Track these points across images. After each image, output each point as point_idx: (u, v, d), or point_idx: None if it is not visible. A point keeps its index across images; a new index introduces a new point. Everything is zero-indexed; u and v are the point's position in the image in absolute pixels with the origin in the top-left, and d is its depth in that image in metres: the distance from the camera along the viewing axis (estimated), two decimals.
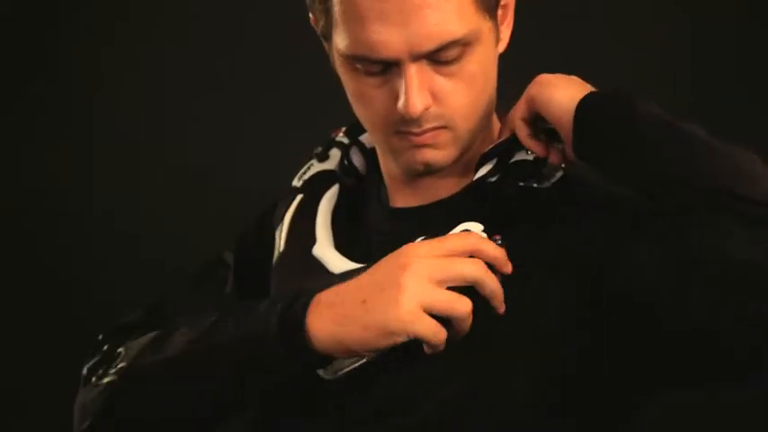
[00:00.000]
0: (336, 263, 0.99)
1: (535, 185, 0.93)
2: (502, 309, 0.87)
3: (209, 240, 1.18)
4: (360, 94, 0.95)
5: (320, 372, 0.92)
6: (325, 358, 0.88)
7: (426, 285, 0.84)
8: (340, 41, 0.91)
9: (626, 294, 0.85)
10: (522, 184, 0.93)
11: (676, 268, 0.80)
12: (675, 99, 1.82)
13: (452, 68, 0.91)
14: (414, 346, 0.85)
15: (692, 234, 0.79)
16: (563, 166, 0.95)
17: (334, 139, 1.10)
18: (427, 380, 0.91)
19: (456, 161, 0.97)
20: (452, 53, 0.90)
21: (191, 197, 1.97)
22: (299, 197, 1.08)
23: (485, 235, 0.89)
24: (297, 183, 1.10)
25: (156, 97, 1.99)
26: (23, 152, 2.04)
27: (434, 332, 0.84)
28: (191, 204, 1.96)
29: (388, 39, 0.88)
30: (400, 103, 0.90)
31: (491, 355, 0.90)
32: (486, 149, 0.97)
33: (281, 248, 1.05)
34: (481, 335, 0.88)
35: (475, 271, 0.85)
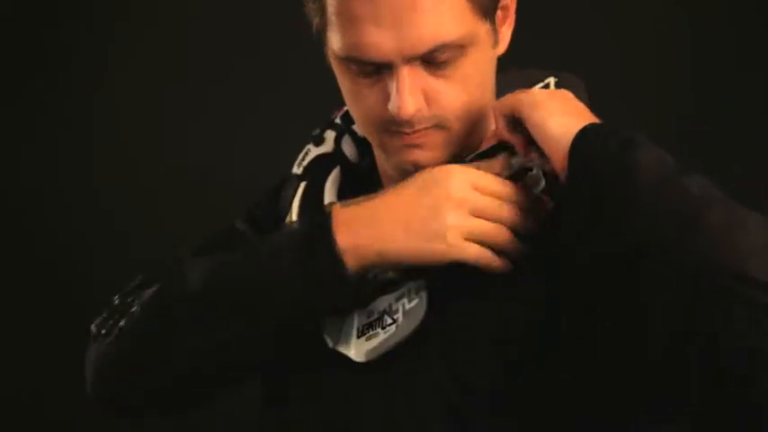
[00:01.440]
0: None
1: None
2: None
3: None
4: (353, 92, 0.95)
5: (351, 355, 0.93)
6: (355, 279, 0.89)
7: (468, 218, 0.88)
8: (334, 42, 0.92)
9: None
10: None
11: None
12: (675, 99, 1.84)
13: (446, 71, 0.90)
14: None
15: (677, 307, 0.76)
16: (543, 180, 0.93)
17: (332, 121, 1.10)
18: (430, 372, 0.91)
19: (450, 161, 0.96)
20: (445, 56, 0.89)
21: (191, 197, 1.97)
22: (303, 184, 1.07)
23: None
24: (297, 170, 1.09)
25: (156, 97, 1.99)
26: (23, 152, 2.04)
27: (483, 256, 0.88)
28: (191, 204, 1.96)
29: (380, 41, 0.88)
30: (391, 105, 0.90)
31: (476, 351, 0.90)
32: (467, 157, 0.96)
33: None
34: (468, 328, 0.90)
35: (513, 215, 0.90)
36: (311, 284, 0.89)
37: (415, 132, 0.93)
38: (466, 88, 0.92)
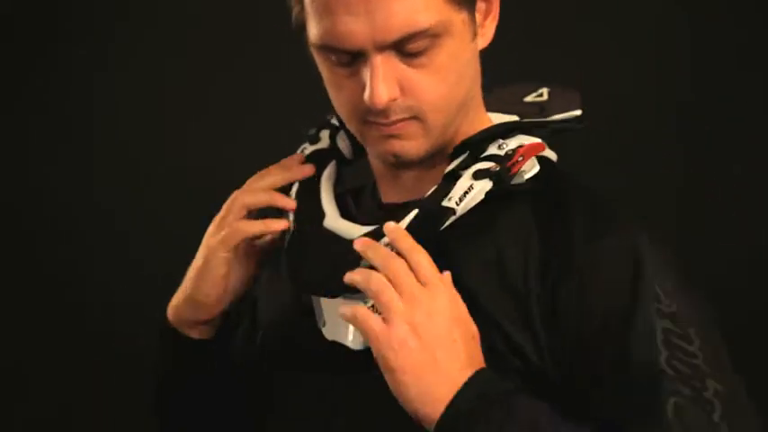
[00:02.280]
0: (349, 230, 0.99)
1: (507, 182, 0.94)
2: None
3: None
4: (332, 83, 0.96)
5: (348, 343, 0.94)
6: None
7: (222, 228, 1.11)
8: (311, 32, 0.93)
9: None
10: (491, 185, 0.93)
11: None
12: (675, 99, 1.84)
13: (421, 60, 0.90)
14: None
15: None
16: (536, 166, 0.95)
17: (328, 121, 1.11)
18: None
19: (433, 154, 0.97)
20: (419, 44, 0.89)
21: (191, 197, 1.97)
22: None
23: None
24: None
25: (156, 97, 1.99)
26: (23, 152, 2.04)
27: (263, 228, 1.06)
28: (191, 204, 1.96)
29: (354, 29, 0.88)
30: (366, 94, 0.90)
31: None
32: (461, 141, 0.97)
33: (291, 228, 1.05)
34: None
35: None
36: None
37: (392, 123, 0.93)
38: (442, 79, 0.92)
